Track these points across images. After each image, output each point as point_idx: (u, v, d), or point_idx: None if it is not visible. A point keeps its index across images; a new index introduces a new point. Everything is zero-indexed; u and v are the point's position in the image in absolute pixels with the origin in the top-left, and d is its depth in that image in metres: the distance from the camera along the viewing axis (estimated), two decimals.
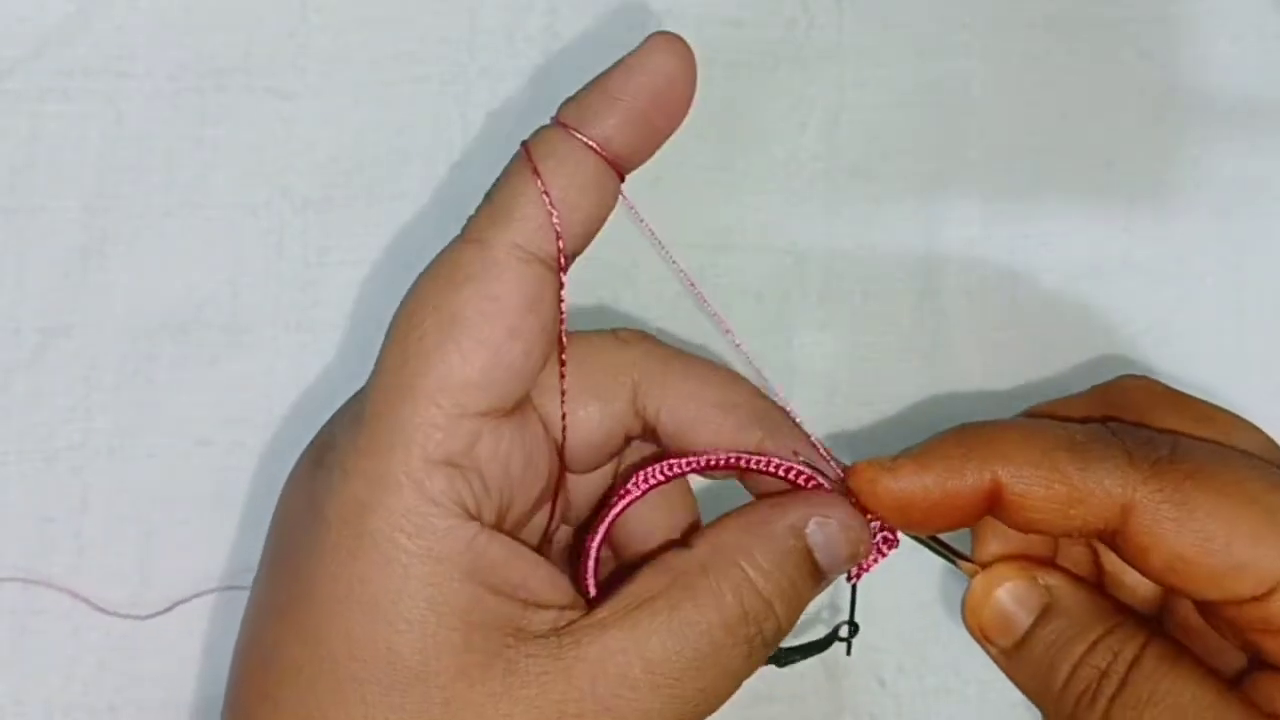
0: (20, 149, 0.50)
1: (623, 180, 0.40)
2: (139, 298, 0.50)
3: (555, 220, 0.38)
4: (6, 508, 0.49)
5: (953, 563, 0.41)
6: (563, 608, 0.38)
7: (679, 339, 0.50)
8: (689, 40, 0.39)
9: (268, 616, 0.39)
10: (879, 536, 0.41)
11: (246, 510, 0.49)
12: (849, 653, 0.43)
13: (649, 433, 0.42)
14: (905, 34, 0.53)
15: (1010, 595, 0.40)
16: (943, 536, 0.41)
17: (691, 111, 0.40)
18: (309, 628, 0.37)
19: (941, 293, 0.52)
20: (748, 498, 0.41)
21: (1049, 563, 0.41)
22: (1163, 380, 0.42)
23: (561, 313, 0.39)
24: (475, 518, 0.37)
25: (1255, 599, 0.37)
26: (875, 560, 0.41)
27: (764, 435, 0.41)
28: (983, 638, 0.41)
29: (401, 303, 0.39)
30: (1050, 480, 0.38)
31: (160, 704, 0.49)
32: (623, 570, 0.41)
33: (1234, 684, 0.39)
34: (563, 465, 0.41)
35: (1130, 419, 0.40)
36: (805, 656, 0.42)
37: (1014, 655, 0.40)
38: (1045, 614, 0.40)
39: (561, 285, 0.39)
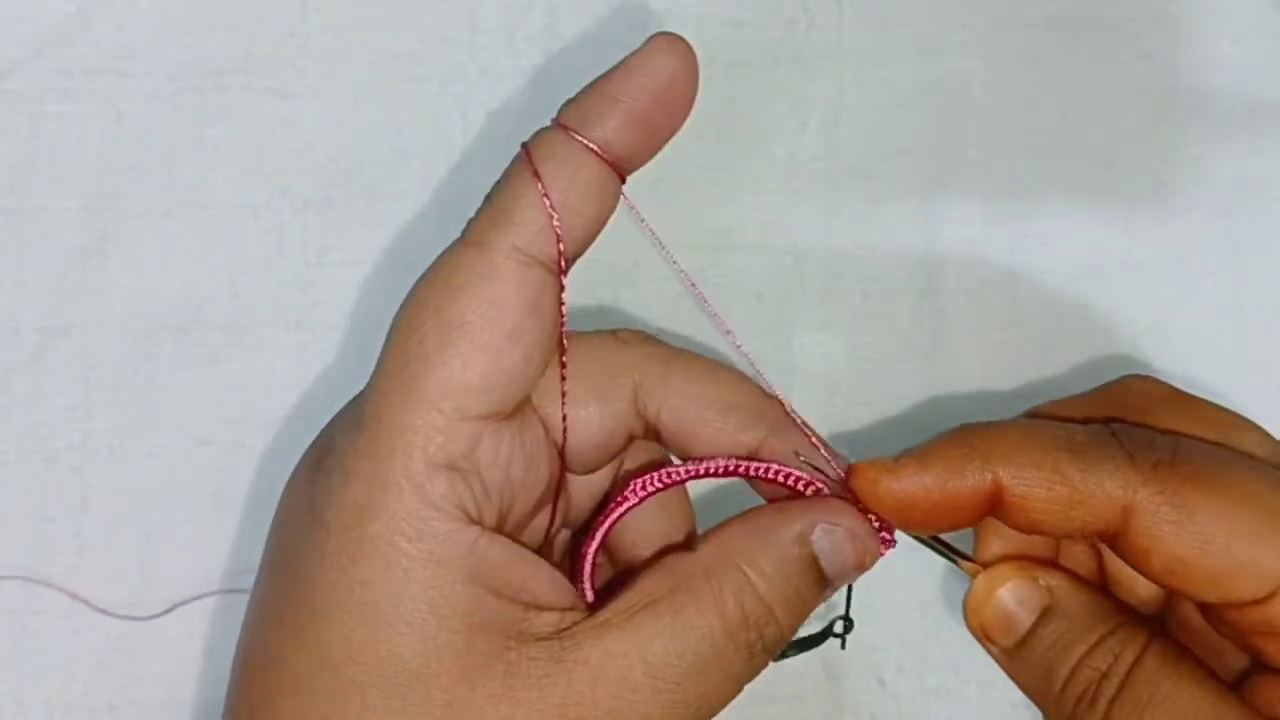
0: (20, 149, 0.50)
1: (624, 182, 0.40)
2: (139, 298, 0.50)
3: (556, 224, 0.38)
4: (6, 508, 0.49)
5: (954, 563, 0.41)
6: (564, 610, 0.38)
7: (679, 339, 0.50)
8: (689, 40, 0.39)
9: (268, 620, 0.39)
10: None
11: (246, 511, 0.49)
12: (843, 647, 0.43)
13: (651, 433, 0.42)
14: (905, 34, 0.53)
15: (1012, 595, 0.40)
16: (944, 536, 0.41)
17: (692, 112, 0.40)
18: (308, 631, 0.37)
19: (941, 293, 0.52)
20: (748, 503, 0.41)
21: (1051, 563, 0.41)
22: (1163, 380, 0.42)
23: (562, 315, 0.39)
24: (476, 521, 0.37)
25: (1255, 602, 0.37)
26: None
27: (767, 433, 0.41)
28: (984, 638, 0.41)
29: (402, 305, 0.39)
30: (1051, 482, 0.38)
31: (160, 704, 0.49)
32: (619, 577, 0.41)
33: (1236, 685, 0.39)
34: (564, 467, 0.41)
35: (1133, 419, 0.40)
36: (799, 651, 0.42)
37: (1015, 655, 0.40)
38: (1046, 615, 0.40)
39: (562, 288, 0.39)
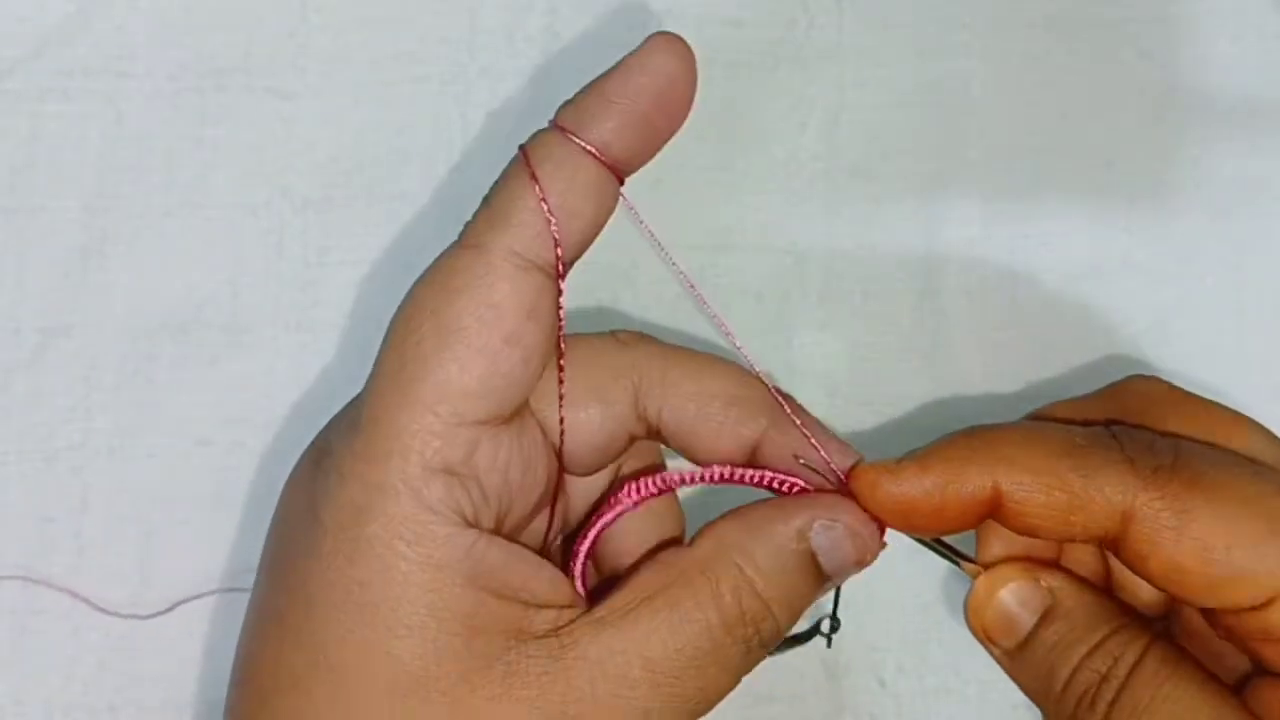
0: (20, 149, 0.50)
1: (622, 183, 0.39)
2: (139, 298, 0.50)
3: (554, 228, 0.38)
4: (6, 508, 0.49)
5: (955, 563, 0.41)
6: (562, 608, 0.38)
7: (679, 340, 0.49)
8: (689, 40, 0.39)
9: (266, 619, 0.39)
10: None
11: (246, 510, 0.49)
12: (829, 645, 0.43)
13: (652, 433, 0.42)
14: (905, 34, 0.52)
15: (1013, 596, 0.40)
16: (945, 537, 0.41)
17: (691, 112, 0.40)
18: (305, 631, 0.37)
19: (941, 293, 0.52)
20: (742, 499, 0.41)
21: (1053, 564, 0.41)
22: (1167, 380, 0.42)
23: (560, 318, 0.39)
24: (474, 525, 0.37)
25: (1254, 608, 0.37)
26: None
27: (769, 424, 0.41)
28: (985, 638, 0.41)
29: (399, 307, 0.38)
30: (1050, 488, 0.38)
31: (160, 704, 0.49)
32: (605, 585, 0.40)
33: (1238, 689, 0.38)
34: (562, 469, 0.41)
35: (1138, 421, 0.40)
36: (786, 649, 0.42)
37: (1016, 656, 0.40)
38: (1047, 616, 0.40)
39: (560, 291, 0.39)
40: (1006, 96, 0.52)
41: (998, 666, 0.41)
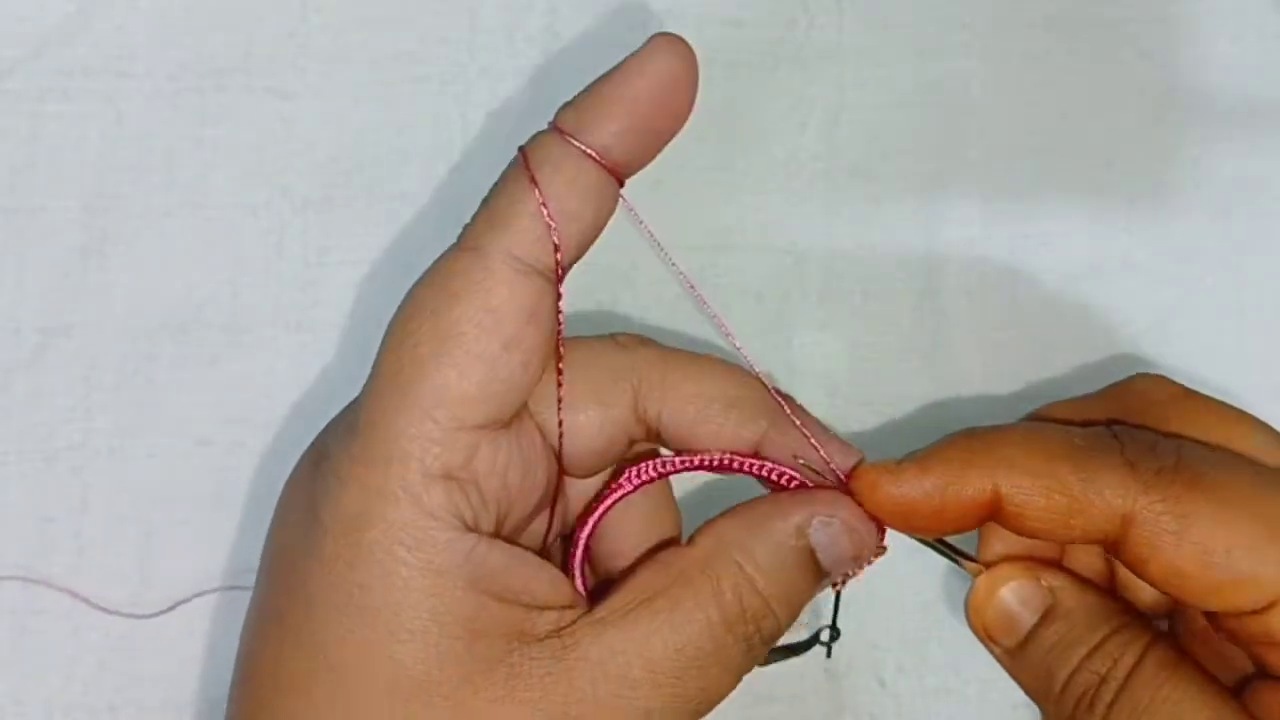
0: (20, 149, 0.50)
1: (622, 185, 0.39)
2: (139, 298, 0.50)
3: (553, 232, 0.38)
4: (6, 508, 0.49)
5: (956, 562, 0.41)
6: (563, 608, 0.38)
7: (679, 341, 0.50)
8: (689, 40, 0.39)
9: (266, 620, 0.39)
10: None
11: (246, 510, 0.49)
12: (829, 655, 0.43)
13: (652, 435, 0.41)
14: (905, 34, 0.52)
15: (1014, 595, 0.40)
16: (946, 536, 0.41)
17: (692, 113, 0.40)
18: (306, 632, 0.37)
19: (941, 293, 0.52)
20: (739, 497, 0.41)
21: (1054, 564, 0.41)
22: (1171, 379, 0.42)
23: (559, 322, 0.39)
24: (473, 528, 0.37)
25: (1255, 612, 0.37)
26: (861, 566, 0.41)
27: (769, 426, 0.41)
28: (986, 637, 0.41)
29: (398, 310, 0.38)
30: (1050, 491, 0.37)
31: (160, 704, 0.49)
32: (604, 585, 0.40)
33: (1240, 690, 0.38)
34: (561, 472, 0.41)
35: (1140, 420, 0.40)
36: (784, 658, 0.42)
37: (1017, 655, 0.40)
38: (1048, 616, 0.40)
39: (559, 295, 0.38)
40: (1006, 96, 0.52)
41: (998, 666, 0.41)
